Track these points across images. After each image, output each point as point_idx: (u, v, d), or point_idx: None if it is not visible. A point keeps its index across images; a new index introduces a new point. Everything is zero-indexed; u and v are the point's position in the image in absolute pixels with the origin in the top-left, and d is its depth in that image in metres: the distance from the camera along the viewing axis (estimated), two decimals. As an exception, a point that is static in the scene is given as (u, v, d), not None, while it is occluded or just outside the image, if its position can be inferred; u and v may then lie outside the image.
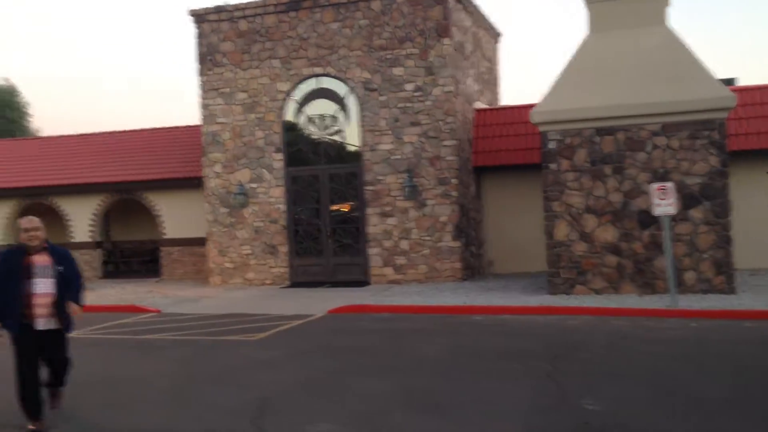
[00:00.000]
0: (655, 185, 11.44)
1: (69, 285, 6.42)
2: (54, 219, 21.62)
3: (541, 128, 13.03)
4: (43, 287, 6.26)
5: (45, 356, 6.44)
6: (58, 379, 6.71)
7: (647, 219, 12.47)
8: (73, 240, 20.73)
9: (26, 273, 6.23)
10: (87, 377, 8.27)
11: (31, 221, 6.38)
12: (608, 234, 12.75)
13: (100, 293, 17.20)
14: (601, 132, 12.72)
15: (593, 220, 12.83)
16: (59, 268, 6.35)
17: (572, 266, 12.93)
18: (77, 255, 20.58)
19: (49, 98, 57.20)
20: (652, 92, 12.47)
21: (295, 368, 8.49)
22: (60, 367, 6.63)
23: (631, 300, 12.20)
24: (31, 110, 39.36)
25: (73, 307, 6.45)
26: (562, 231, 12.97)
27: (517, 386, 7.21)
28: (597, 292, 12.83)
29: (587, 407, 6.38)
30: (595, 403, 6.47)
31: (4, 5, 60.90)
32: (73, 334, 9.44)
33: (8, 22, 61.25)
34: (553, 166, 12.98)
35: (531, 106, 17.24)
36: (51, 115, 57.12)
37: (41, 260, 6.32)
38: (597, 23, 13.26)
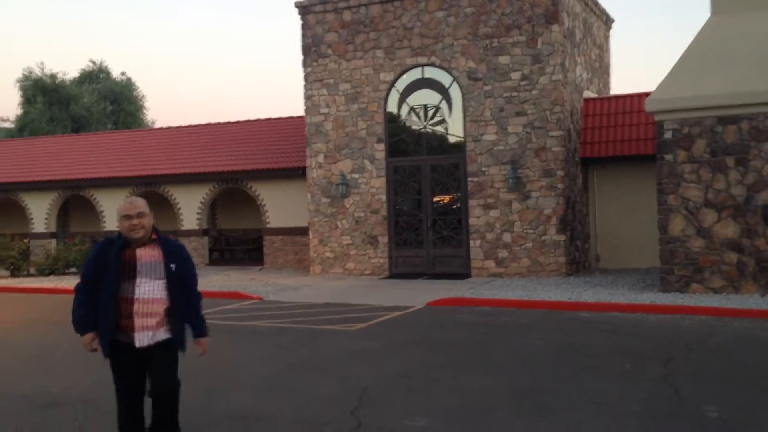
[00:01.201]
0: (784, 178, 10.57)
1: (185, 292, 4.81)
2: (165, 207, 22.45)
3: (657, 117, 12.32)
4: (150, 290, 4.64)
5: (150, 382, 4.77)
6: (166, 421, 4.80)
7: (773, 214, 11.57)
8: (182, 228, 21.46)
9: (127, 271, 4.62)
10: (190, 363, 8.39)
11: (134, 204, 4.67)
12: (729, 229, 11.92)
13: (206, 280, 17.67)
14: (723, 121, 11.89)
15: (712, 215, 12.03)
16: (171, 266, 4.71)
17: (688, 263, 12.18)
18: (186, 243, 21.52)
19: (163, 91, 59.74)
20: (782, 78, 11.54)
21: (394, 360, 8.34)
22: (168, 401, 4.78)
23: (752, 300, 11.37)
24: (146, 103, 41.12)
25: (201, 344, 5.05)
26: (677, 226, 12.23)
27: (630, 388, 6.77)
28: (715, 291, 12.03)
29: (710, 414, 5.89)
30: (718, 411, 5.97)
31: (118, 3, 64.00)
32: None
33: (122, 18, 64.35)
34: (668, 157, 12.25)
35: (642, 95, 16.48)
36: (165, 108, 59.66)
37: (148, 255, 4.69)
38: (721, 5, 12.41)
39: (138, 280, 4.63)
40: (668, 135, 12.26)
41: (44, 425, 6.15)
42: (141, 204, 4.73)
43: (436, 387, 7.06)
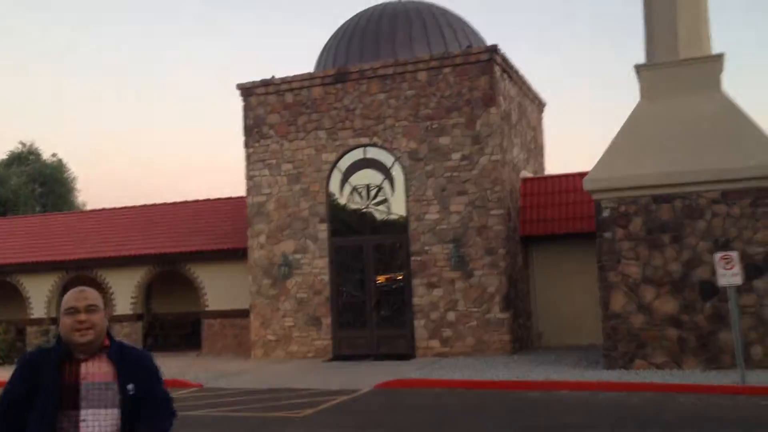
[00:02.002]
0: (719, 254, 10.96)
1: (149, 423, 3.28)
2: (97, 290, 21.62)
3: (595, 196, 12.70)
4: (99, 427, 3.16)
5: None
6: None
7: (709, 290, 11.93)
8: (115, 312, 20.67)
9: (67, 398, 3.15)
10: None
11: (84, 294, 3.28)
12: (668, 305, 12.20)
13: (141, 366, 16.92)
14: (658, 200, 12.34)
15: (651, 291, 12.31)
16: (129, 387, 3.22)
17: (631, 339, 12.36)
18: (119, 329, 20.74)
19: (94, 173, 58.63)
20: (711, 159, 12.13)
21: (348, 448, 8.05)
22: None
23: (695, 376, 11.55)
24: (77, 185, 40.19)
25: None
26: (618, 302, 12.46)
27: (590, 470, 6.68)
28: (658, 366, 12.19)
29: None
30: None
31: (49, 81, 63.25)
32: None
33: (54, 98, 63.50)
34: (607, 234, 12.58)
35: (578, 174, 17.01)
36: (96, 190, 58.42)
37: (97, 372, 3.22)
38: (649, 90, 13.07)
39: (82, 413, 3.10)
40: (606, 213, 12.62)
41: None
42: (93, 295, 3.27)
43: (394, 476, 6.81)
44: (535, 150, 19.75)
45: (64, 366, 3.17)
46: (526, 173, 18.22)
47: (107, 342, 3.27)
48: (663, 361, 12.20)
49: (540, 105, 20.52)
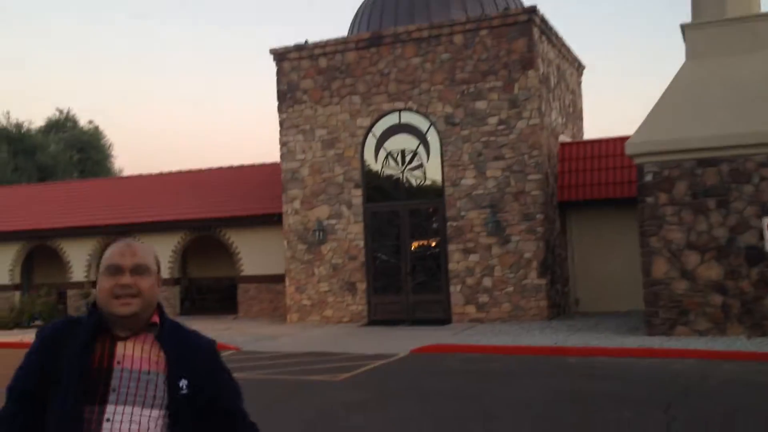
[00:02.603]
0: (767, 219, 10.62)
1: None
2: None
3: (637, 160, 12.39)
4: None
5: None
6: None
7: (756, 255, 11.62)
8: (153, 277, 20.90)
9: (92, 388, 2.24)
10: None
11: (132, 249, 2.38)
12: (712, 271, 11.92)
13: (179, 330, 17.15)
14: (703, 163, 11.98)
15: (695, 257, 12.03)
16: (181, 383, 2.31)
17: (672, 305, 12.12)
18: (157, 292, 20.95)
19: (131, 139, 59.20)
20: (759, 121, 11.71)
21: (387, 413, 8.04)
22: None
23: (739, 343, 11.30)
24: (114, 151, 40.61)
25: None
26: (660, 268, 12.20)
27: (634, 437, 6.57)
28: (701, 333, 11.96)
29: (723, 463, 5.70)
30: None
31: (86, 48, 63.74)
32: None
33: (93, 64, 64.03)
34: (650, 199, 12.28)
35: (618, 139, 16.65)
36: (133, 155, 59.06)
37: (137, 357, 2.32)
38: (696, 50, 12.63)
39: (108, 410, 2.20)
40: (649, 178, 12.31)
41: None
42: (144, 251, 2.37)
43: (434, 440, 6.77)
44: (574, 114, 19.35)
45: (95, 344, 2.27)
46: (565, 138, 17.87)
47: (157, 318, 2.35)
48: (706, 327, 11.96)
49: (579, 68, 20.05)
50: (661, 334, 12.17)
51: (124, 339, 2.30)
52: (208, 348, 2.43)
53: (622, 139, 16.39)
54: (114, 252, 2.36)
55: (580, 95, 20.23)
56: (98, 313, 2.32)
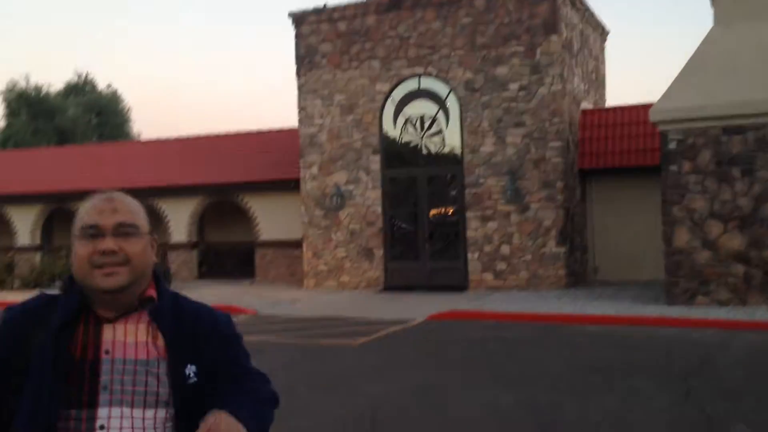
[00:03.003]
0: (793, 188, 10.41)
1: (239, 400, 1.82)
2: (154, 220, 22.04)
3: (661, 127, 12.16)
4: None
5: None
6: None
7: (780, 226, 11.41)
8: (171, 240, 21.06)
9: (78, 384, 1.71)
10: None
11: (113, 204, 1.81)
12: (735, 241, 11.74)
13: (197, 293, 17.27)
14: (729, 131, 11.73)
15: (718, 226, 11.85)
16: (188, 371, 1.78)
17: (694, 275, 11.98)
18: (176, 256, 21.11)
19: (149, 103, 59.23)
20: (788, 88, 11.42)
21: (402, 377, 8.03)
22: None
23: (760, 313, 11.17)
24: (132, 115, 40.65)
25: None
26: (682, 237, 12.04)
27: (654, 407, 6.51)
28: (721, 303, 11.83)
29: (744, 433, 5.64)
30: (749, 430, 5.72)
31: (105, 12, 63.56)
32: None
33: (111, 28, 63.88)
34: (673, 167, 12.08)
35: (641, 106, 16.37)
36: (151, 120, 59.13)
37: (131, 344, 1.78)
38: (724, 15, 12.30)
39: (100, 415, 1.72)
40: (672, 145, 12.09)
41: None
42: (128, 207, 1.85)
43: (450, 406, 6.76)
44: (597, 81, 19.02)
45: (75, 330, 1.75)
46: (587, 105, 17.59)
47: (153, 291, 1.83)
48: (727, 297, 11.83)
49: (603, 33, 19.64)
50: (682, 304, 12.05)
51: (113, 321, 1.76)
52: (223, 323, 1.89)
53: (646, 107, 16.10)
54: (90, 208, 1.79)
55: (603, 61, 19.86)
56: (78, 289, 1.77)
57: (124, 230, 1.76)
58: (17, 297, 17.77)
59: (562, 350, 9.37)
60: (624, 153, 16.29)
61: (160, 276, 1.86)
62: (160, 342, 1.77)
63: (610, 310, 11.98)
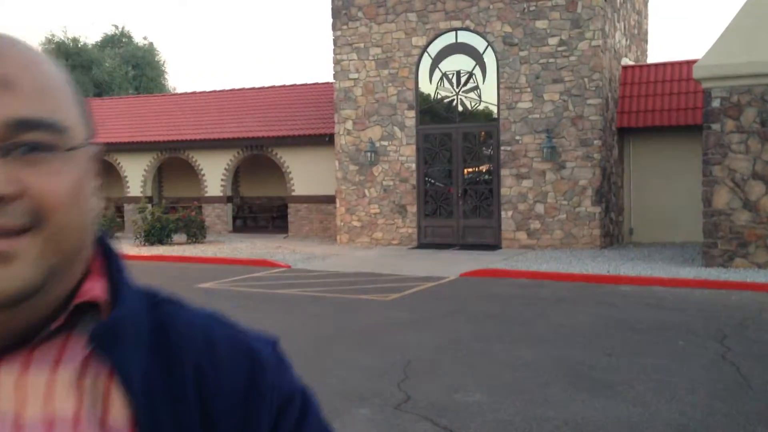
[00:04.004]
0: (841, 150, 10.09)
1: None
2: (190, 173, 22.26)
3: (704, 84, 11.82)
4: None
5: None
6: None
7: (825, 188, 11.10)
8: (206, 194, 21.26)
9: None
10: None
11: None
12: (777, 203, 11.47)
13: (232, 246, 17.50)
14: (776, 89, 11.37)
15: (760, 187, 11.57)
16: None
17: (732, 237, 11.76)
18: (210, 210, 21.35)
19: (184, 56, 59.33)
20: (840, 44, 10.98)
21: (435, 332, 8.07)
22: None
23: (800, 277, 10.95)
24: (168, 68, 40.74)
25: None
26: (722, 198, 11.79)
27: (687, 366, 6.45)
28: (760, 266, 11.62)
29: (781, 396, 5.57)
30: (787, 392, 5.64)
31: (143, -32, 63.40)
32: (208, 285, 9.45)
33: (147, -16, 63.80)
34: (715, 126, 11.77)
35: (683, 63, 15.94)
36: (186, 72, 59.28)
37: (29, 417, 0.66)
38: (776, -33, 11.79)
39: None
40: (716, 103, 11.77)
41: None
42: (26, 70, 0.68)
43: (483, 360, 6.78)
44: (639, 36, 18.51)
45: None
46: (628, 61, 17.16)
47: (99, 286, 0.75)
48: (766, 260, 11.60)
49: (646, -13, 19.08)
50: (719, 266, 11.87)
51: (7, 360, 0.71)
52: (272, 370, 0.79)
53: (688, 63, 15.70)
54: None
55: (646, 16, 19.31)
56: None
57: (26, 140, 0.68)
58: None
59: (596, 309, 9.31)
60: (665, 111, 15.90)
61: (111, 249, 0.82)
62: (116, 415, 0.71)
63: (645, 271, 11.85)
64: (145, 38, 40.32)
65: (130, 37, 39.94)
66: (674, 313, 9.02)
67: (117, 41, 39.32)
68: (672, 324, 8.30)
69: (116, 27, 40.00)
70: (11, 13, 55.98)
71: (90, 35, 58.24)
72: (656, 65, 16.75)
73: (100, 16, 59.68)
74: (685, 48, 54.26)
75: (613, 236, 16.00)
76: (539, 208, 15.51)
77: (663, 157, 16.32)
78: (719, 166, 11.79)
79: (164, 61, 40.41)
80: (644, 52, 19.12)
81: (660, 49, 40.84)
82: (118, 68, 36.95)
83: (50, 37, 37.36)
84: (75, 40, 37.28)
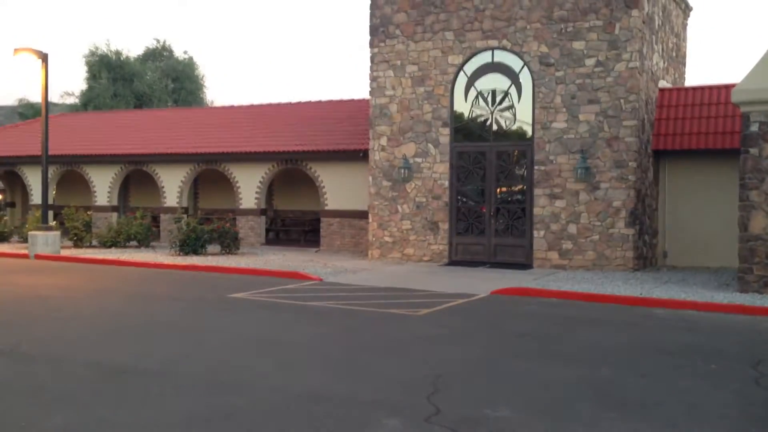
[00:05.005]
0: None
1: None
2: (225, 185, 22.59)
3: (743, 108, 11.74)
4: None
5: None
6: None
7: None
8: (241, 206, 21.54)
9: None
10: (262, 335, 8.35)
11: None
12: (816, 230, 11.30)
13: (264, 258, 17.70)
14: (816, 114, 11.24)
15: (798, 214, 11.41)
16: None
17: (769, 263, 11.61)
18: (244, 222, 21.60)
19: (222, 71, 60.28)
20: None
21: (465, 347, 8.10)
22: None
23: (839, 306, 10.75)
24: (206, 81, 41.46)
25: None
26: (759, 223, 11.66)
27: (720, 390, 6.40)
28: (797, 294, 11.44)
29: (815, 422, 5.50)
30: (822, 419, 5.57)
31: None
32: (240, 295, 9.60)
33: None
34: (753, 150, 11.66)
35: (722, 87, 15.84)
36: (224, 86, 60.21)
37: None
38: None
39: None
40: (754, 128, 11.67)
41: (119, 392, 6.09)
42: None
43: (513, 376, 6.79)
44: (677, 58, 18.43)
45: None
46: (665, 83, 17.09)
47: None
48: (803, 288, 11.42)
49: (686, 9, 18.99)
50: (754, 292, 11.71)
51: None
52: None
53: (726, 87, 15.59)
54: None
55: (684, 39, 19.22)
56: None
57: None
58: (95, 254, 18.54)
59: (627, 331, 9.25)
60: (702, 134, 15.79)
61: None
62: None
63: (679, 295, 11.73)
64: (185, 52, 41.10)
65: (170, 51, 40.77)
66: (708, 337, 8.93)
67: (158, 55, 40.16)
68: (705, 348, 8.23)
69: (157, 41, 40.87)
70: (58, 25, 57.52)
71: (132, 48, 59.47)
72: (694, 89, 16.66)
73: (142, 29, 60.99)
74: (724, 70, 53.70)
75: (646, 259, 15.86)
76: (572, 229, 15.45)
77: (699, 180, 16.18)
78: (756, 191, 11.67)
79: (203, 75, 41.16)
80: (682, 75, 19.01)
81: (698, 71, 40.44)
82: (158, 81, 37.71)
83: (94, 50, 38.29)
84: (118, 54, 38.17)
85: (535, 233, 15.81)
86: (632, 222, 14.96)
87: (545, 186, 15.67)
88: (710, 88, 16.29)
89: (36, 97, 42.23)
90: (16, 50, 18.12)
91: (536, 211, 15.78)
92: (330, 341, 8.32)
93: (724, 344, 8.47)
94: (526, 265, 15.82)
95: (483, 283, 13.34)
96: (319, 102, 23.76)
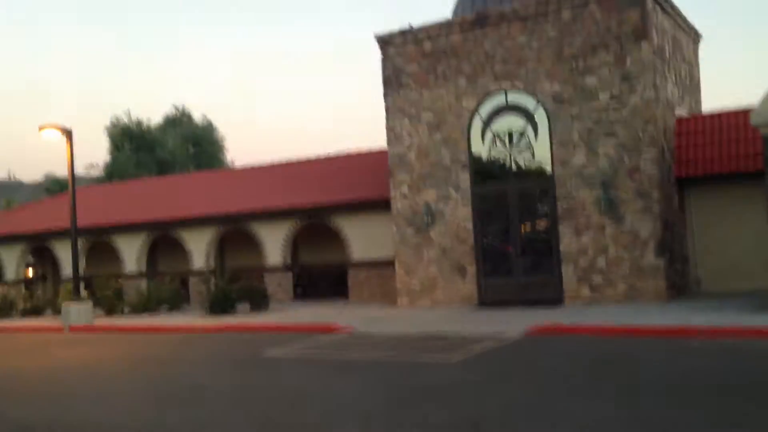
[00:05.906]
0: None
1: None
2: (250, 243, 22.77)
3: (763, 130, 11.72)
4: None
5: None
6: None
7: None
8: (267, 264, 21.67)
9: None
10: (292, 389, 8.32)
11: None
12: None
13: (294, 313, 17.72)
14: (838, 130, 11.19)
15: (830, 231, 11.25)
16: None
17: (806, 284, 11.40)
18: (272, 279, 21.67)
19: (240, 131, 61.31)
20: None
21: (504, 391, 8.01)
22: None
23: None
24: (226, 143, 42.17)
25: None
26: (791, 244, 11.50)
27: (769, 417, 6.25)
28: (838, 313, 11.20)
29: None
30: None
31: (198, 47, 66.33)
32: (275, 353, 9.60)
33: (205, 62, 66.64)
34: (777, 171, 11.59)
35: (740, 112, 15.83)
36: (242, 148, 61.15)
37: None
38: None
39: None
40: (776, 148, 11.61)
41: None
42: None
43: (553, 418, 6.69)
44: (691, 86, 18.48)
45: None
46: (681, 111, 17.10)
47: None
48: (843, 307, 11.19)
49: (695, 37, 19.11)
50: (793, 314, 11.48)
51: None
52: None
53: (744, 112, 15.57)
54: None
55: (697, 66, 19.29)
56: None
57: None
58: (128, 321, 18.69)
59: (670, 365, 9.09)
60: (724, 159, 15.73)
61: None
62: None
63: (718, 322, 11.53)
64: (203, 116, 41.96)
65: (189, 116, 41.62)
66: (755, 365, 8.74)
67: (178, 121, 41.01)
68: (756, 378, 8.05)
69: (176, 108, 41.78)
70: (78, 97, 59.15)
71: (152, 116, 60.84)
72: (711, 115, 16.66)
73: (161, 96, 62.57)
74: (741, 94, 53.62)
75: (679, 287, 15.66)
76: (600, 262, 15.34)
77: (725, 204, 16.05)
78: (785, 211, 11.55)
79: (222, 137, 41.89)
80: (698, 102, 19.03)
81: (715, 97, 40.46)
82: (179, 147, 38.45)
83: (115, 122, 39.22)
84: (139, 123, 39.05)
85: (564, 269, 15.70)
86: (661, 251, 14.82)
87: (569, 221, 15.63)
88: (727, 114, 16.30)
89: (61, 171, 43.14)
90: (40, 127, 18.62)
91: (563, 247, 15.70)
92: (367, 392, 8.26)
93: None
94: (556, 302, 15.68)
95: (515, 323, 13.22)
96: (338, 156, 24.06)
